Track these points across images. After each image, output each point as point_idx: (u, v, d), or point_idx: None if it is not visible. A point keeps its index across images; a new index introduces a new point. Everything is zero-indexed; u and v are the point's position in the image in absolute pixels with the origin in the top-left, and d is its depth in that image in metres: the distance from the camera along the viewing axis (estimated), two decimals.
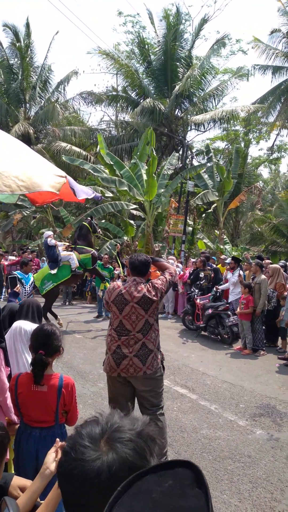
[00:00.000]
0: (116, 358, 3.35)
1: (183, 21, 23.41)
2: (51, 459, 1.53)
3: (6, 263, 14.00)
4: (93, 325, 10.10)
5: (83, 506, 0.76)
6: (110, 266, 11.64)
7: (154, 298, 3.33)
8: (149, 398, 3.46)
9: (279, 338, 8.17)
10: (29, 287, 7.33)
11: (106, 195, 15.91)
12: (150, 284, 3.41)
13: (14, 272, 7.24)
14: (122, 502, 0.63)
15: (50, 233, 9.99)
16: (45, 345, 2.27)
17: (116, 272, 10.57)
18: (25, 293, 7.07)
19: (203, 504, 0.60)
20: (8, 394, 2.39)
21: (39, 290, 8.89)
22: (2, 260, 13.80)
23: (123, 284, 3.49)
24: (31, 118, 23.14)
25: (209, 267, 10.09)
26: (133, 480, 0.66)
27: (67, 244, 9.90)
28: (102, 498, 0.69)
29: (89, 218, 10.64)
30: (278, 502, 3.16)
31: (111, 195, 16.12)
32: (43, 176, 2.77)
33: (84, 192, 3.49)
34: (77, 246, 9.53)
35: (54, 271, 8.94)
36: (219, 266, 11.41)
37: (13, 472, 2.34)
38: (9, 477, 1.61)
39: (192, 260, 12.27)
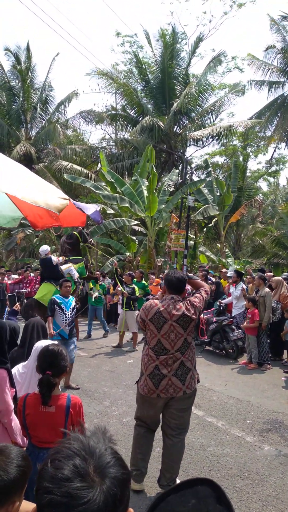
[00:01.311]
0: (155, 379, 3.27)
1: (179, 40, 23.98)
2: None
3: (9, 281, 14.03)
4: (97, 342, 10.07)
5: None
6: (103, 283, 11.59)
7: (193, 316, 3.27)
8: (181, 419, 3.38)
9: (285, 351, 8.13)
10: (71, 313, 6.14)
11: (107, 211, 16.05)
12: (188, 302, 3.34)
13: (53, 297, 6.20)
14: None
15: (47, 248, 9.21)
16: (52, 366, 2.28)
17: (118, 289, 10.53)
18: (65, 320, 6.00)
19: None
20: (13, 416, 2.38)
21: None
22: (5, 278, 13.83)
23: (160, 302, 3.39)
24: (32, 138, 23.53)
25: (210, 281, 10.10)
26: (157, 503, 0.67)
27: (62, 257, 9.70)
28: None
29: (80, 228, 10.28)
30: None
31: (112, 211, 16.26)
32: (48, 197, 2.85)
33: (91, 207, 3.57)
34: (71, 257, 9.22)
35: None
36: (221, 280, 11.45)
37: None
38: None
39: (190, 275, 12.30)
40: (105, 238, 17.72)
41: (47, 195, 2.92)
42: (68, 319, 6.02)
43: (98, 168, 23.71)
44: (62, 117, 24.69)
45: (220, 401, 5.82)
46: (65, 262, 8.98)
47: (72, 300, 6.28)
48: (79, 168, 21.43)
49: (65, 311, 6.03)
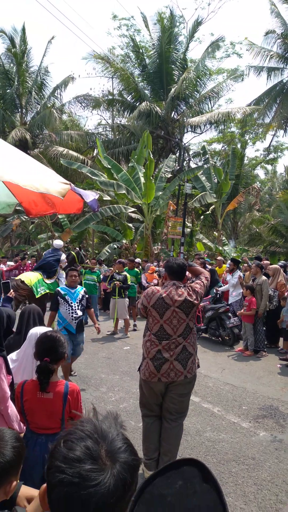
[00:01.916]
0: (157, 363, 3.30)
1: (177, 24, 23.60)
2: None
3: (4, 268, 13.97)
4: (93, 328, 10.08)
5: None
6: (97, 271, 11.53)
7: (195, 301, 3.30)
8: (180, 403, 3.42)
9: (280, 339, 8.19)
10: (78, 305, 5.58)
11: (104, 198, 15.96)
12: (190, 288, 3.37)
13: (58, 288, 5.73)
14: (139, 510, 0.64)
15: (62, 243, 9.47)
16: (50, 352, 2.27)
17: (108, 286, 9.96)
18: (71, 312, 5.50)
19: (216, 499, 0.62)
20: (9, 403, 2.38)
21: (34, 292, 8.09)
22: (1, 265, 13.77)
23: (162, 288, 3.41)
24: (28, 123, 23.21)
25: (207, 269, 10.11)
26: (144, 486, 0.67)
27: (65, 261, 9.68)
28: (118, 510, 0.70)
29: (77, 248, 10.39)
30: (283, 504, 3.16)
31: (109, 198, 16.17)
32: (49, 182, 2.81)
33: (90, 194, 3.52)
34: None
35: (47, 281, 8.48)
36: (216, 268, 11.48)
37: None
38: (17, 486, 1.61)
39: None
40: (101, 225, 17.67)
41: (48, 181, 2.88)
42: (75, 312, 5.52)
43: (94, 154, 23.50)
44: (58, 102, 24.35)
45: (216, 388, 5.87)
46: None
47: (80, 291, 5.70)
48: (75, 154, 21.24)
49: (71, 302, 5.51)
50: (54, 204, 3.50)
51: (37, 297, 7.91)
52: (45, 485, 0.77)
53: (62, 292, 5.60)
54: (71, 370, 6.08)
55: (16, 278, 8.34)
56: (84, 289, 5.86)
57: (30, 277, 8.14)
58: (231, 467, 3.69)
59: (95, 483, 0.69)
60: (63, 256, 9.01)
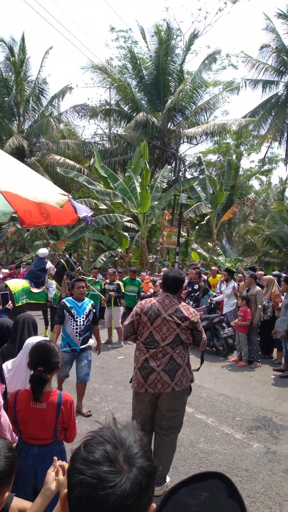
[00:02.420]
0: (144, 372, 3.27)
1: (174, 36, 23.90)
2: (51, 479, 1.52)
3: (0, 276, 13.88)
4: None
5: None
6: (99, 280, 11.28)
7: (188, 316, 3.30)
8: (171, 419, 3.33)
9: (274, 349, 8.19)
10: (84, 320, 5.03)
11: (100, 207, 16.01)
12: (190, 307, 3.46)
13: (64, 300, 5.16)
14: None
15: (47, 252, 9.44)
16: (44, 362, 2.27)
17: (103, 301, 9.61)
18: (76, 328, 4.96)
19: None
20: (2, 412, 2.35)
21: (15, 300, 7.94)
22: None
23: (155, 298, 3.49)
24: (25, 131, 23.31)
25: (202, 279, 10.13)
26: (169, 495, 0.70)
27: (54, 270, 9.34)
28: None
29: (67, 256, 10.13)
30: None
31: (105, 207, 16.21)
32: (48, 192, 2.82)
33: (83, 209, 3.53)
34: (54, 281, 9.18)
35: (34, 290, 8.50)
36: (210, 277, 11.53)
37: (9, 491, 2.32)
38: (9, 498, 1.60)
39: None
40: (97, 233, 17.68)
41: (46, 191, 2.89)
42: (80, 328, 4.98)
43: (91, 163, 23.60)
44: (55, 111, 24.49)
45: (210, 398, 5.85)
46: (50, 278, 9.06)
47: (87, 304, 5.16)
48: (71, 162, 21.32)
49: (77, 317, 5.00)
50: (49, 214, 3.50)
51: (17, 305, 7.85)
52: (65, 490, 0.82)
53: (68, 305, 5.04)
54: (88, 411, 5.23)
55: (5, 282, 8.41)
56: (91, 302, 5.30)
57: (16, 284, 8.20)
58: None
59: (112, 485, 0.72)
60: (49, 265, 9.00)
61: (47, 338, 2.70)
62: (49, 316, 9.57)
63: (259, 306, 7.72)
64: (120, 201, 13.97)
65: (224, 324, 8.44)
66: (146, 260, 15.44)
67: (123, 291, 9.45)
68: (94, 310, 5.24)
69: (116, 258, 16.55)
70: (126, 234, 16.83)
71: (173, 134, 23.81)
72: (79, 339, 4.98)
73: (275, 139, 24.05)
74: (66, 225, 17.80)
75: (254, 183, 35.27)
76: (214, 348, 8.63)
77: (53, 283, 8.95)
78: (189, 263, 18.26)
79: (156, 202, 15.15)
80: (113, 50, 66.21)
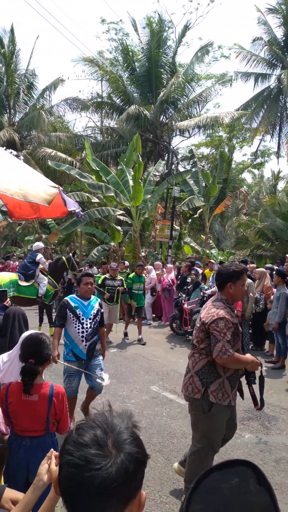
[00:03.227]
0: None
1: (166, 28, 23.72)
2: (44, 470, 1.52)
3: None
4: None
5: None
6: (98, 275, 11.05)
7: (201, 316, 3.01)
8: (193, 426, 3.16)
9: (266, 341, 8.26)
10: (91, 322, 4.29)
11: (92, 200, 15.93)
12: (213, 306, 3.00)
13: (67, 298, 4.38)
14: (196, 498, 0.70)
15: (41, 245, 9.30)
16: (35, 354, 2.26)
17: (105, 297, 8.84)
18: (82, 332, 4.21)
19: (269, 501, 0.67)
20: None
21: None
22: None
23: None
24: (16, 124, 23.06)
25: (194, 271, 10.15)
26: (201, 478, 0.72)
27: (47, 264, 9.19)
28: (117, 500, 0.76)
29: (70, 254, 9.68)
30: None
31: (97, 201, 16.14)
32: (37, 187, 2.79)
33: (72, 204, 3.51)
34: (49, 277, 8.92)
35: (22, 283, 8.36)
36: (206, 270, 11.57)
37: (2, 482, 2.32)
38: (1, 489, 1.60)
39: (169, 265, 12.16)
40: (89, 227, 17.61)
41: (35, 186, 2.86)
42: (87, 331, 4.22)
43: (82, 156, 23.45)
44: (47, 104, 24.24)
45: None
46: (45, 274, 8.84)
47: (94, 303, 4.40)
48: (63, 155, 21.16)
49: (82, 319, 4.23)
50: (39, 208, 3.48)
51: None
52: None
53: (72, 304, 4.27)
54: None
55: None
56: (99, 300, 4.57)
57: (3, 277, 8.14)
58: None
59: (98, 467, 0.75)
60: (39, 256, 8.76)
61: (40, 331, 2.69)
62: (45, 315, 9.35)
63: (251, 294, 7.78)
64: (112, 194, 13.91)
65: None
66: (139, 254, 15.43)
67: (124, 286, 9.03)
68: (102, 310, 4.54)
69: (110, 252, 16.52)
70: (119, 227, 16.78)
71: (166, 127, 23.71)
72: (85, 345, 4.25)
73: (267, 132, 24.10)
74: (58, 218, 17.73)
75: (247, 176, 35.39)
76: None
77: (45, 279, 8.71)
78: (183, 257, 18.34)
79: (149, 196, 15.12)
80: (104, 42, 65.63)
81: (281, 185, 31.76)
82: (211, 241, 19.37)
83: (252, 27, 66.52)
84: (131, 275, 9.10)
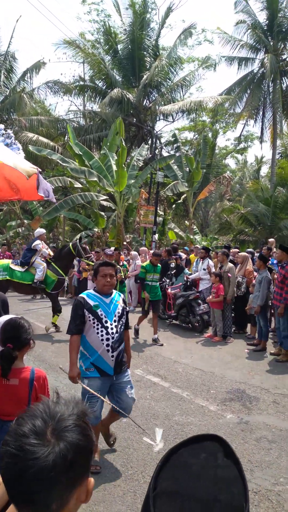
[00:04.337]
0: None
1: (149, 10, 23.23)
2: None
3: None
4: (66, 318, 10.01)
5: (36, 502, 0.75)
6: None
7: None
8: None
9: (248, 324, 8.40)
10: (117, 324, 3.34)
11: (75, 185, 15.74)
12: None
13: (82, 295, 3.38)
14: (164, 475, 0.69)
15: (43, 231, 9.12)
16: (14, 339, 2.24)
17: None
18: (107, 338, 3.27)
19: (237, 473, 0.68)
20: None
21: None
22: None
23: None
24: None
25: (176, 256, 10.16)
26: (169, 454, 0.71)
27: (50, 255, 8.75)
28: (58, 488, 0.75)
29: (77, 241, 8.94)
30: (248, 482, 3.27)
31: (80, 186, 15.95)
32: (19, 163, 2.77)
33: (44, 190, 3.44)
34: (52, 264, 8.53)
35: (14, 267, 8.19)
36: (192, 255, 11.64)
37: None
38: None
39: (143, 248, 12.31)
40: (72, 212, 17.43)
41: (17, 160, 2.83)
42: (114, 337, 3.30)
43: (65, 141, 23.04)
44: (28, 87, 23.61)
45: (185, 373, 5.97)
46: (47, 261, 8.53)
47: (117, 299, 3.46)
48: (45, 140, 20.76)
49: (106, 322, 3.29)
50: (19, 190, 3.43)
51: None
52: None
53: (91, 303, 3.31)
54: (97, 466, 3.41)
55: None
56: (122, 296, 3.61)
57: None
58: None
59: (34, 457, 0.74)
60: (36, 242, 8.54)
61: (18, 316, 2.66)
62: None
63: (229, 275, 7.88)
64: (95, 179, 13.75)
65: (199, 301, 8.55)
66: (123, 240, 15.37)
67: (122, 274, 8.50)
68: (127, 308, 3.67)
69: (93, 238, 16.41)
70: (102, 213, 16.65)
71: (149, 111, 23.43)
72: (113, 356, 3.31)
73: (251, 117, 24.07)
74: (39, 202, 17.47)
75: (230, 161, 35.44)
76: (190, 325, 8.77)
77: (42, 264, 8.36)
78: (166, 243, 18.35)
79: (132, 181, 14.99)
80: (85, 24, 63.99)
81: (264, 170, 31.96)
82: (195, 227, 19.40)
83: (235, 11, 65.68)
84: (145, 264, 8.08)
